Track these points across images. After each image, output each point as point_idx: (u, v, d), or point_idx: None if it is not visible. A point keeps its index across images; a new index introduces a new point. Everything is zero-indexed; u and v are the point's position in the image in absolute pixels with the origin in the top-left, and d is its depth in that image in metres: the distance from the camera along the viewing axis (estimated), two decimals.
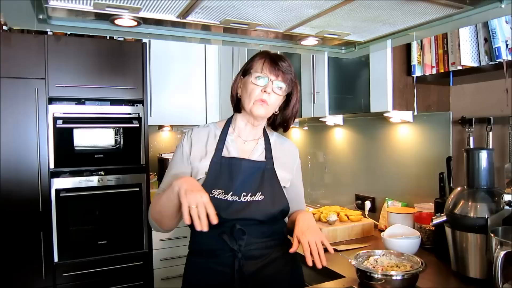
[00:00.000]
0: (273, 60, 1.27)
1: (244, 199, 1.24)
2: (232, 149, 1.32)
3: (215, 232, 1.24)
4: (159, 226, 1.28)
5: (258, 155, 1.34)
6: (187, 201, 1.06)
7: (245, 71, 1.32)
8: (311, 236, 1.18)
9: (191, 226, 1.31)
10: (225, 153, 1.30)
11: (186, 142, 1.33)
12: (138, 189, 2.82)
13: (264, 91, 1.25)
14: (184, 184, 1.11)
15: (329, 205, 2.37)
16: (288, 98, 1.34)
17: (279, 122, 1.39)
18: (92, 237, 2.70)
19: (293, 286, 1.35)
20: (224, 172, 1.26)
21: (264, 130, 1.41)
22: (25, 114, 2.51)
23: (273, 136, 1.43)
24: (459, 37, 1.53)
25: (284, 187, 1.34)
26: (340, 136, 2.56)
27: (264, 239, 1.28)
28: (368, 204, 2.27)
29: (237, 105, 1.35)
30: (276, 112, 1.35)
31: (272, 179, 1.31)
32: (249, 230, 1.24)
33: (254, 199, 1.25)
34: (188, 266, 1.33)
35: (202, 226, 1.05)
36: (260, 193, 1.26)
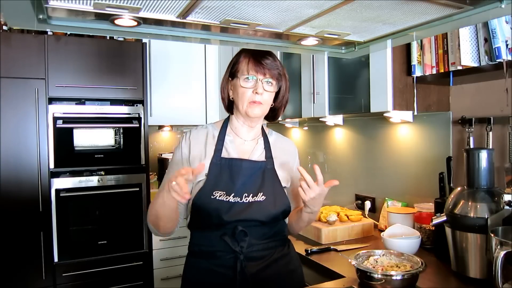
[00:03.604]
0: (257, 59, 1.27)
1: (246, 199, 1.24)
2: (231, 150, 1.31)
3: (216, 234, 1.24)
4: (156, 230, 1.28)
5: (258, 155, 1.34)
6: (168, 189, 1.08)
7: (232, 73, 1.31)
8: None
9: (191, 227, 1.32)
10: (224, 154, 1.30)
11: (185, 144, 1.33)
12: (138, 189, 2.82)
13: (256, 92, 1.25)
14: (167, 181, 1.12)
15: (329, 205, 2.36)
16: (280, 91, 1.34)
17: (270, 113, 1.38)
18: (92, 237, 2.70)
19: (294, 286, 1.35)
20: (224, 173, 1.26)
21: (262, 129, 1.41)
22: (25, 114, 2.51)
23: (272, 136, 1.43)
24: (459, 37, 1.53)
25: (285, 187, 1.34)
26: (340, 136, 2.56)
27: (266, 240, 1.28)
28: (368, 204, 2.27)
29: (230, 106, 1.35)
30: (271, 105, 1.36)
31: (273, 179, 1.31)
32: (251, 232, 1.23)
33: (255, 199, 1.25)
34: (187, 267, 1.33)
35: (182, 196, 1.05)
36: (261, 193, 1.26)
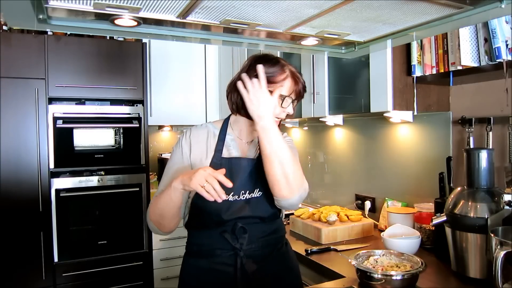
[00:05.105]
0: (301, 82, 1.28)
1: (243, 197, 1.25)
2: (232, 149, 1.31)
3: (215, 231, 1.25)
4: (158, 228, 1.28)
5: (253, 151, 1.34)
6: (196, 184, 1.08)
7: (269, 81, 1.22)
8: None
9: (189, 226, 1.32)
10: (225, 154, 1.30)
11: (185, 143, 1.32)
12: (138, 189, 2.82)
13: (288, 112, 1.28)
14: (184, 177, 1.13)
15: (329, 205, 2.36)
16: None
17: None
18: (92, 237, 2.70)
19: (293, 284, 1.36)
20: (225, 173, 1.26)
21: None
22: (25, 114, 2.51)
23: None
24: (459, 37, 1.53)
25: None
26: (340, 136, 2.56)
27: (265, 237, 1.29)
28: (368, 204, 2.27)
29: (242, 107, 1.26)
30: None
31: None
32: (250, 228, 1.24)
33: (252, 196, 1.26)
34: (185, 267, 1.33)
35: (220, 196, 1.08)
36: (257, 189, 1.27)
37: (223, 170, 1.13)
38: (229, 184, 1.09)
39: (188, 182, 1.10)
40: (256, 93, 1.16)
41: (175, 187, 1.14)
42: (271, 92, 1.20)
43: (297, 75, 1.28)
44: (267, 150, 1.16)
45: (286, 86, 1.25)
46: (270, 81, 1.22)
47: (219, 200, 1.09)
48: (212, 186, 1.08)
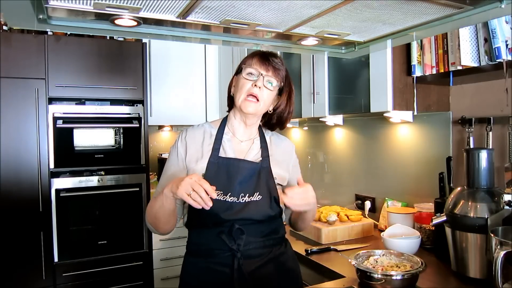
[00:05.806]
0: (264, 56, 1.29)
1: (243, 199, 1.25)
2: (228, 149, 1.31)
3: (213, 232, 1.25)
4: (155, 229, 1.30)
5: (254, 154, 1.34)
6: (182, 192, 1.08)
7: (239, 69, 1.33)
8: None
9: (189, 226, 1.32)
10: (221, 153, 1.30)
11: (181, 144, 1.33)
12: (138, 189, 2.82)
13: (255, 85, 1.25)
14: (173, 185, 1.13)
15: (329, 205, 2.37)
16: (283, 97, 1.34)
17: (275, 121, 1.39)
18: (92, 237, 2.70)
19: (292, 284, 1.36)
20: (222, 172, 1.26)
21: (260, 128, 1.40)
22: (25, 114, 2.51)
23: (269, 135, 1.42)
24: (459, 37, 1.53)
25: (281, 185, 1.34)
26: (340, 136, 2.56)
27: (263, 238, 1.29)
28: (368, 204, 2.27)
29: (232, 103, 1.36)
30: (270, 111, 1.35)
31: (268, 179, 1.30)
32: (248, 230, 1.24)
33: (252, 199, 1.26)
34: (185, 266, 1.33)
35: (206, 203, 1.08)
36: (257, 193, 1.26)
37: (213, 188, 1.13)
38: (213, 194, 1.09)
39: (175, 191, 1.10)
40: (296, 200, 1.20)
41: (166, 195, 1.15)
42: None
43: (269, 53, 1.30)
44: (306, 221, 1.42)
45: (249, 60, 1.29)
46: (243, 62, 1.31)
47: (206, 208, 1.09)
48: (198, 194, 1.07)
